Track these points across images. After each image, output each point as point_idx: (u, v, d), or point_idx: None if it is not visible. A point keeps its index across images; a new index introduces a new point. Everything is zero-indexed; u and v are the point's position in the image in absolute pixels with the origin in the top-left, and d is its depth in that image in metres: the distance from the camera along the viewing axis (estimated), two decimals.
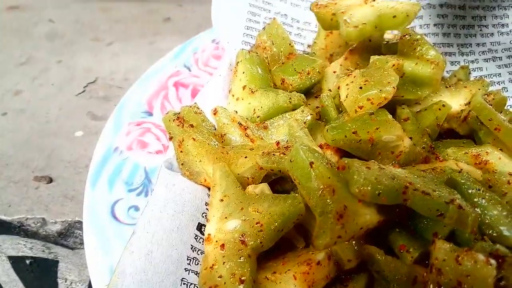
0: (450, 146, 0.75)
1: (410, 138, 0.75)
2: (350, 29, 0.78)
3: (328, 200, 0.55)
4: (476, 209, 0.61)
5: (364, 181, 0.52)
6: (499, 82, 0.96)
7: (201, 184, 0.73)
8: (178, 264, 0.62)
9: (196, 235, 0.67)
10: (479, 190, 0.62)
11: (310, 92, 0.88)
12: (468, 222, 0.52)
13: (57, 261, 0.83)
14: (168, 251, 0.62)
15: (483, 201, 0.62)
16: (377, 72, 0.71)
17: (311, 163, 0.57)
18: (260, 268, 0.59)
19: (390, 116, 0.71)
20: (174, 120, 0.73)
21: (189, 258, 0.63)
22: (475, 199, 0.62)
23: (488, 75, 0.97)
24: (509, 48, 0.98)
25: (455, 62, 0.99)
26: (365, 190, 0.52)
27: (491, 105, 0.72)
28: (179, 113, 0.74)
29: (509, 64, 0.97)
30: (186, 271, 0.62)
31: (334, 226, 0.52)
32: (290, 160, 0.60)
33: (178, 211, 0.67)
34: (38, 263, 0.83)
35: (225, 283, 0.55)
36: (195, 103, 0.77)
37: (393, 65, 0.72)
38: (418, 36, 0.82)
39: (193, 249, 0.65)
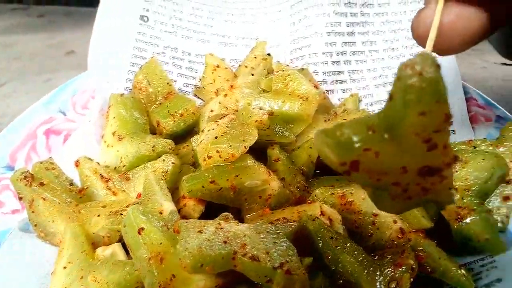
0: (322, 185, 0.73)
1: (283, 178, 0.72)
2: None
3: (154, 271, 0.51)
4: (328, 257, 0.59)
5: (185, 253, 0.49)
6: None
7: (57, 246, 0.68)
8: None
9: None
10: (332, 238, 0.60)
11: (194, 131, 0.85)
12: None
13: None
14: None
15: (337, 249, 0.60)
16: (240, 127, 0.69)
17: (140, 230, 0.54)
18: None
19: (251, 161, 0.68)
20: (21, 179, 0.68)
21: None
22: (327, 249, 0.59)
23: (379, 101, 0.96)
24: None
25: (347, 89, 0.98)
26: (186, 262, 0.48)
27: None
28: (27, 171, 0.69)
29: None
30: None
31: None
32: (124, 225, 0.56)
33: (23, 280, 0.62)
34: None
35: None
36: (50, 157, 0.73)
37: (256, 120, 0.69)
38: (290, 71, 0.80)
39: None
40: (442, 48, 0.51)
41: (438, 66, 0.34)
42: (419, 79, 0.34)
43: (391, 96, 0.37)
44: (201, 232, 0.52)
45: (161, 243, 0.53)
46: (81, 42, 1.38)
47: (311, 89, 0.78)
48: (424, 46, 0.49)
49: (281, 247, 0.53)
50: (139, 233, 0.53)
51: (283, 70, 0.81)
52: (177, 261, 0.51)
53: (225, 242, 0.52)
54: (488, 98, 0.89)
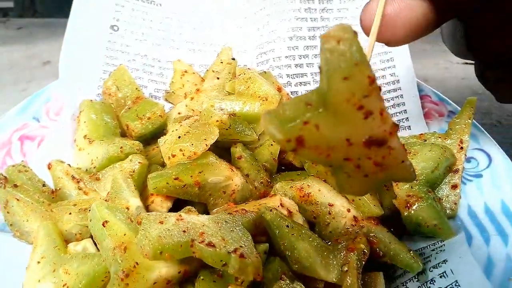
0: (284, 179, 0.78)
1: (247, 174, 0.77)
2: None
3: (118, 259, 0.55)
4: (285, 244, 0.63)
5: (145, 241, 0.53)
6: None
7: (32, 244, 0.71)
8: None
9: None
10: (288, 226, 0.64)
11: (163, 133, 0.89)
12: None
13: None
14: None
15: (293, 236, 0.64)
16: (202, 126, 0.73)
17: (105, 222, 0.57)
18: None
19: (213, 158, 0.72)
20: None
21: None
22: (283, 236, 0.64)
23: None
24: None
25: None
26: (146, 250, 0.52)
27: None
28: (1, 174, 0.72)
29: None
30: None
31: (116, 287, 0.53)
32: (90, 220, 0.60)
33: (0, 275, 0.66)
34: None
35: None
36: (22, 161, 0.76)
37: (217, 120, 0.74)
38: (251, 74, 0.85)
39: None
40: (386, 38, 0.52)
41: (355, 33, 0.35)
42: (337, 45, 0.35)
43: (320, 70, 0.38)
44: (162, 223, 0.57)
45: (124, 234, 0.57)
46: (57, 52, 1.40)
47: (270, 90, 0.83)
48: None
49: (237, 234, 0.58)
50: (103, 225, 0.57)
51: (245, 74, 0.85)
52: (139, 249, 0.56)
53: (184, 231, 0.56)
54: (441, 95, 0.95)
